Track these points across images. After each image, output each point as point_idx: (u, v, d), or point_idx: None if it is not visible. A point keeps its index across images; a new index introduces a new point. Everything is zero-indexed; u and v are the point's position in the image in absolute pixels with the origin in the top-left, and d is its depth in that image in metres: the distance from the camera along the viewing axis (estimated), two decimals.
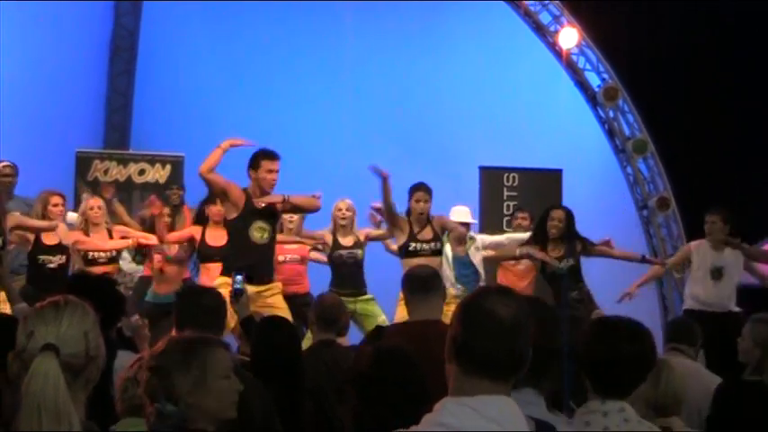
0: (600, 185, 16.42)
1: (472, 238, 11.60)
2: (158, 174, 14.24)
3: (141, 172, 14.27)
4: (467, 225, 11.56)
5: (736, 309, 10.95)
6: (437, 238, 10.54)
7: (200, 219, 11.42)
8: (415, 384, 4.38)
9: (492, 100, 16.66)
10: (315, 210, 10.03)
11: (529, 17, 16.09)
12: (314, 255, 11.88)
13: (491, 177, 15.14)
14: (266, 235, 9.45)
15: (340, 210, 11.49)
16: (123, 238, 11.16)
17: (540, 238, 11.14)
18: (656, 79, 16.11)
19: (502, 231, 12.54)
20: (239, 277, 7.33)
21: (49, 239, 10.59)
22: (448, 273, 11.12)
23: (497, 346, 2.97)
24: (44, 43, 15.25)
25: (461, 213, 11.57)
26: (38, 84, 14.99)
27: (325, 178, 14.23)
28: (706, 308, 10.98)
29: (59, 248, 10.62)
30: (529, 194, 14.80)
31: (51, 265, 10.49)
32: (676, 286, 15.36)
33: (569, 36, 15.95)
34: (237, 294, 7.09)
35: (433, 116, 16.46)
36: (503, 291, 3.13)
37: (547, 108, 16.76)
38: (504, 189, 15.08)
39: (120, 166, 14.16)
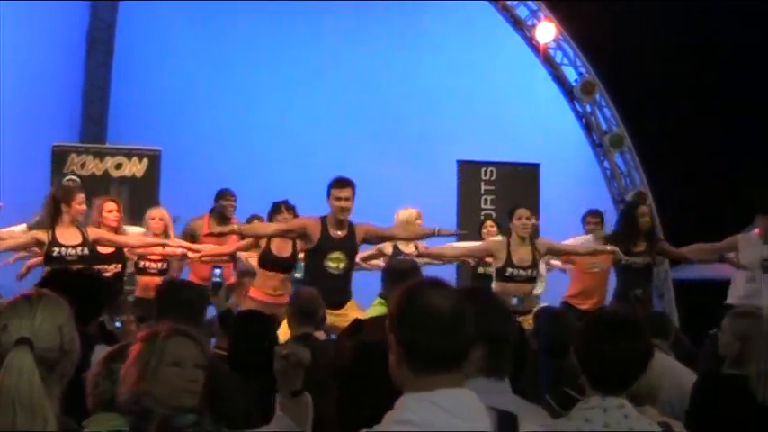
0: (577, 180, 16.46)
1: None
2: (135, 168, 14.16)
3: (118, 166, 14.20)
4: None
5: None
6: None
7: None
8: None
9: (470, 94, 16.68)
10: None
11: (506, 11, 16.10)
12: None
13: (469, 171, 15.13)
14: (342, 265, 9.49)
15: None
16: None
17: (627, 232, 11.19)
18: (633, 73, 16.15)
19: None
20: (218, 271, 7.34)
21: (104, 248, 10.54)
22: None
23: (444, 338, 2.96)
24: (21, 36, 15.18)
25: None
26: (13, 77, 14.91)
27: (304, 172, 14.25)
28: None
29: (115, 257, 10.60)
30: (506, 189, 14.82)
31: (107, 274, 10.44)
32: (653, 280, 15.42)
33: (546, 30, 15.96)
34: (216, 287, 7.10)
35: (410, 110, 16.46)
36: (435, 283, 3.12)
37: (524, 102, 16.79)
38: (482, 183, 15.08)
39: (97, 160, 14.08)
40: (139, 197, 13.20)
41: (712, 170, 13.23)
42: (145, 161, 13.82)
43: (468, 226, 12.60)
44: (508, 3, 16.02)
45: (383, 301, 9.48)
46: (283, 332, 7.54)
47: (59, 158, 14.10)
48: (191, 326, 5.09)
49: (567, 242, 11.47)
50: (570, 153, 16.37)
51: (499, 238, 11.12)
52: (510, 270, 10.35)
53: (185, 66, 16.77)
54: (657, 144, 15.94)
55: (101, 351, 5.69)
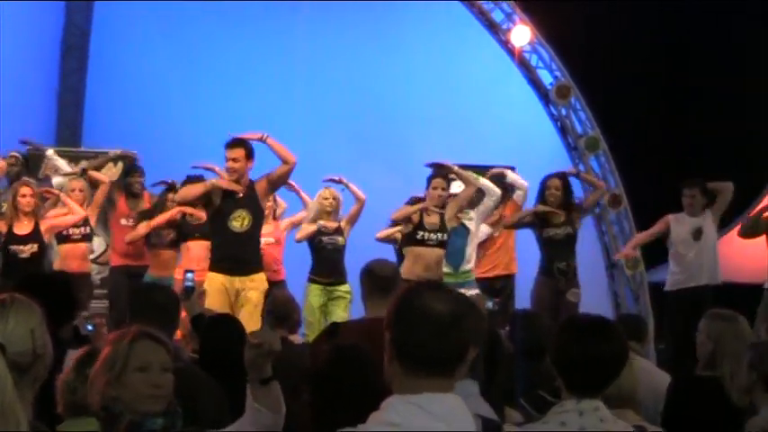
0: None
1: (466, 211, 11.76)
2: (110, 171, 14.11)
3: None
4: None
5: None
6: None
7: (162, 206, 11.62)
8: (371, 382, 4.38)
9: (444, 97, 16.67)
10: (290, 164, 10.28)
11: (481, 15, 16.12)
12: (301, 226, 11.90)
13: (443, 174, 15.11)
14: (246, 222, 9.58)
15: (326, 198, 11.56)
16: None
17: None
18: (608, 77, 16.20)
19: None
20: (190, 275, 7.32)
21: (20, 229, 10.56)
22: None
23: (438, 341, 2.96)
24: None
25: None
26: None
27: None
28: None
29: (32, 237, 10.58)
30: (480, 191, 14.81)
31: (24, 255, 10.45)
32: (628, 282, 15.47)
33: (522, 34, 15.98)
34: (188, 292, 7.08)
35: (385, 113, 16.45)
36: (434, 286, 3.12)
37: (499, 105, 16.79)
38: (457, 185, 15.06)
39: (72, 164, 14.03)
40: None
41: (688, 172, 13.23)
42: (120, 164, 13.77)
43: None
44: (483, 6, 16.04)
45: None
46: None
47: (34, 162, 14.04)
48: (165, 329, 5.10)
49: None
50: (545, 156, 16.36)
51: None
52: (421, 233, 10.65)
53: (160, 69, 16.73)
54: (632, 147, 15.99)
55: (74, 355, 5.70)
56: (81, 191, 11.58)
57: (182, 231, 11.45)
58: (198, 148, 14.03)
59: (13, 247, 10.59)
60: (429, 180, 11.03)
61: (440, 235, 10.75)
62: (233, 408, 5.42)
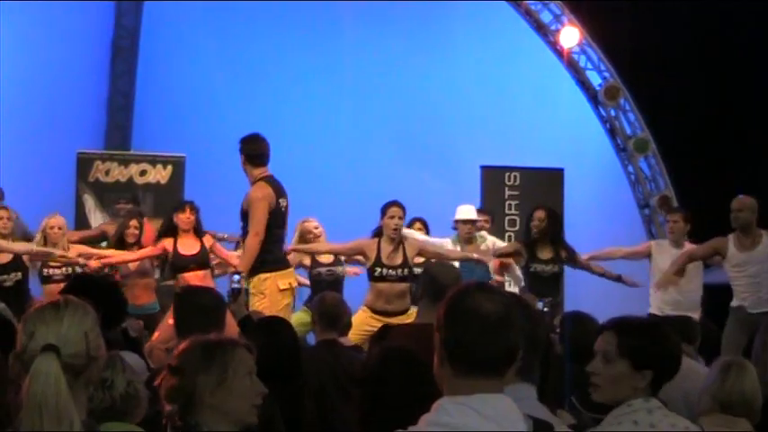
0: (601, 184, 16.40)
1: (482, 237, 11.58)
2: (160, 174, 14.22)
3: (143, 173, 14.25)
4: (472, 222, 11.53)
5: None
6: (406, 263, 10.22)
7: (169, 230, 10.99)
8: (422, 384, 4.37)
9: (493, 99, 16.64)
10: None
11: (530, 16, 16.08)
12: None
13: (492, 176, 15.09)
14: None
15: (310, 232, 11.41)
16: (80, 255, 10.79)
17: (526, 238, 11.16)
18: (657, 78, 16.09)
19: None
20: (237, 277, 7.30)
21: (1, 258, 10.44)
22: None
23: (488, 342, 2.96)
24: (45, 44, 15.26)
25: (465, 211, 11.53)
26: (39, 85, 14.99)
27: (325, 178, 14.25)
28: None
29: (14, 266, 10.46)
30: (530, 194, 14.75)
31: (8, 284, 10.33)
32: None
33: (570, 35, 15.93)
34: (235, 294, 7.07)
35: (433, 115, 16.44)
36: (484, 286, 3.12)
37: (548, 107, 16.74)
38: (506, 188, 15.04)
39: (122, 167, 14.15)
40: (164, 204, 13.22)
41: (737, 173, 13.15)
42: (169, 168, 13.87)
43: (492, 232, 12.54)
44: (531, 7, 16.01)
45: (306, 309, 9.92)
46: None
47: (84, 165, 14.15)
48: (211, 332, 5.11)
49: (437, 244, 11.23)
50: (594, 158, 16.33)
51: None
52: (379, 270, 10.12)
53: (209, 72, 16.81)
54: (682, 148, 15.88)
55: (124, 357, 5.72)
56: (60, 228, 11.27)
57: (175, 265, 11.09)
58: None
59: None
60: (383, 210, 10.36)
61: (399, 271, 10.19)
62: (283, 411, 5.44)
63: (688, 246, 11.13)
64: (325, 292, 8.23)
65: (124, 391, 4.11)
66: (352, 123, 16.14)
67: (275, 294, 9.07)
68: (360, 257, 10.77)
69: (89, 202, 13.44)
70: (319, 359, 6.73)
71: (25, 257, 10.51)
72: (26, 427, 2.88)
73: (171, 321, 9.56)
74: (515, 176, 15.12)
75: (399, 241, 10.19)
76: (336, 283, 11.31)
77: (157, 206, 12.87)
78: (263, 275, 9.30)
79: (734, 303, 10.60)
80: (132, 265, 11.12)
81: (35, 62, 15.00)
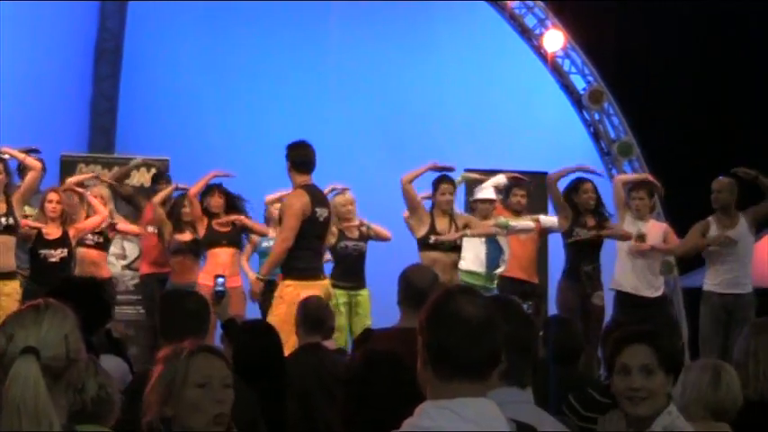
0: None
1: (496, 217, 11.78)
2: (144, 177, 14.17)
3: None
4: (490, 201, 11.89)
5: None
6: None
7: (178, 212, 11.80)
8: (405, 386, 4.37)
9: (477, 102, 16.66)
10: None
11: (514, 20, 16.08)
12: None
13: (476, 180, 15.08)
14: None
15: (344, 206, 11.56)
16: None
17: (571, 207, 11.28)
18: (641, 81, 16.13)
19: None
20: (221, 280, 7.29)
21: (50, 233, 10.68)
22: (482, 255, 11.51)
23: (471, 345, 2.96)
24: (28, 47, 15.21)
25: (485, 192, 11.99)
26: (23, 88, 14.94)
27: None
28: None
29: (61, 242, 10.70)
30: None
31: (53, 259, 10.57)
32: None
33: (554, 39, 15.93)
34: (219, 297, 7.06)
35: (417, 118, 16.45)
36: (466, 290, 3.12)
37: (532, 111, 16.77)
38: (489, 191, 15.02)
39: (106, 170, 14.09)
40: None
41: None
42: (153, 171, 13.81)
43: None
44: (516, 11, 16.01)
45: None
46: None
47: (68, 168, 14.11)
48: (196, 336, 5.10)
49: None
50: (578, 161, 16.29)
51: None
52: (433, 238, 10.76)
53: (193, 75, 16.79)
54: (666, 151, 15.90)
55: (107, 360, 5.70)
56: (102, 198, 11.65)
57: (208, 239, 11.50)
58: (230, 154, 14.10)
59: (44, 252, 10.69)
60: (435, 184, 11.04)
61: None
62: (266, 413, 5.43)
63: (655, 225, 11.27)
64: (307, 297, 8.23)
65: (96, 394, 4.08)
66: (337, 124, 16.15)
67: (294, 304, 9.02)
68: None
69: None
70: (304, 362, 6.72)
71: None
72: (5, 429, 2.87)
73: None
74: None
75: (450, 214, 10.93)
76: (361, 258, 11.57)
77: (141, 209, 12.83)
78: (287, 281, 9.32)
79: (706, 287, 10.78)
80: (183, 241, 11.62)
81: (19, 64, 14.94)
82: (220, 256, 11.37)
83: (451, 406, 2.92)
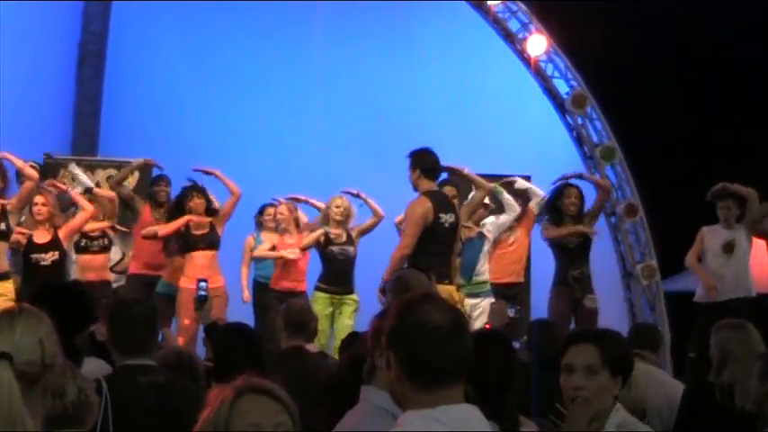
0: None
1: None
2: (127, 180, 14.13)
3: (110, 178, 14.16)
4: (484, 206, 12.19)
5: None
6: None
7: (177, 212, 11.78)
8: None
9: (460, 107, 16.67)
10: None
11: (497, 24, 16.07)
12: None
13: (459, 183, 15.09)
14: None
15: (338, 207, 11.57)
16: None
17: (554, 215, 11.30)
18: (624, 86, 16.15)
19: None
20: (203, 284, 7.29)
21: (40, 237, 10.67)
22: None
23: (444, 352, 2.95)
24: (10, 48, 15.14)
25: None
26: (5, 90, 14.87)
27: (293, 182, 14.23)
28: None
29: (51, 245, 10.69)
30: (497, 200, 14.78)
31: (45, 263, 10.57)
32: (644, 292, 15.39)
33: (538, 43, 15.93)
34: (201, 301, 7.06)
35: (400, 122, 16.43)
36: (427, 297, 3.10)
37: (515, 115, 16.78)
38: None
39: (89, 173, 14.04)
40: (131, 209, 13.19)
41: (704, 182, 13.20)
42: (136, 173, 13.77)
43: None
44: (499, 15, 16.00)
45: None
46: None
47: (51, 171, 14.06)
48: (144, 343, 5.10)
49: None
50: (561, 165, 16.31)
51: None
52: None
53: (177, 77, 16.77)
54: (649, 156, 15.93)
55: (89, 363, 5.68)
56: (44, 205, 11.53)
57: (185, 242, 11.52)
58: (213, 156, 14.08)
59: (35, 256, 10.68)
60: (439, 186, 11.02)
61: None
62: None
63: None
64: (290, 300, 8.24)
65: (76, 398, 4.06)
66: (321, 127, 16.14)
67: None
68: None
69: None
70: (286, 365, 6.72)
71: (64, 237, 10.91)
72: None
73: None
74: None
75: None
76: (348, 262, 11.60)
77: (124, 211, 12.82)
78: None
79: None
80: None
81: (1, 66, 14.89)
82: (198, 259, 11.39)
83: (435, 415, 2.91)
